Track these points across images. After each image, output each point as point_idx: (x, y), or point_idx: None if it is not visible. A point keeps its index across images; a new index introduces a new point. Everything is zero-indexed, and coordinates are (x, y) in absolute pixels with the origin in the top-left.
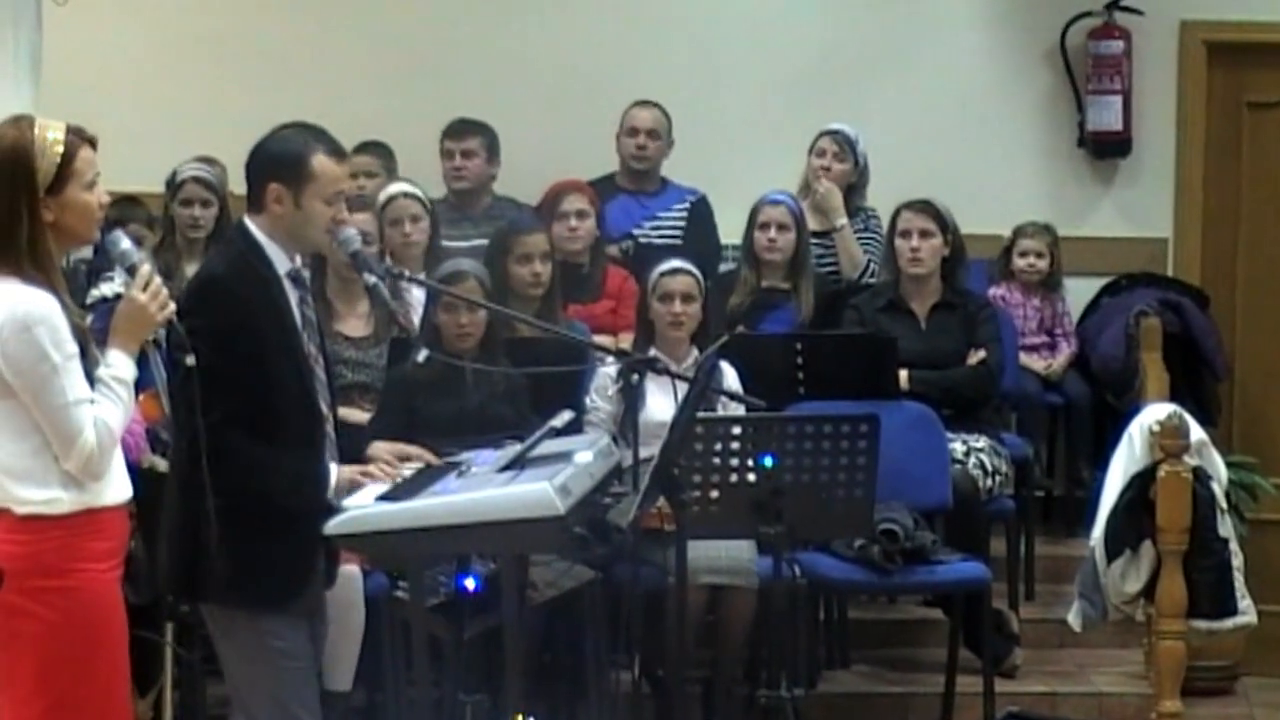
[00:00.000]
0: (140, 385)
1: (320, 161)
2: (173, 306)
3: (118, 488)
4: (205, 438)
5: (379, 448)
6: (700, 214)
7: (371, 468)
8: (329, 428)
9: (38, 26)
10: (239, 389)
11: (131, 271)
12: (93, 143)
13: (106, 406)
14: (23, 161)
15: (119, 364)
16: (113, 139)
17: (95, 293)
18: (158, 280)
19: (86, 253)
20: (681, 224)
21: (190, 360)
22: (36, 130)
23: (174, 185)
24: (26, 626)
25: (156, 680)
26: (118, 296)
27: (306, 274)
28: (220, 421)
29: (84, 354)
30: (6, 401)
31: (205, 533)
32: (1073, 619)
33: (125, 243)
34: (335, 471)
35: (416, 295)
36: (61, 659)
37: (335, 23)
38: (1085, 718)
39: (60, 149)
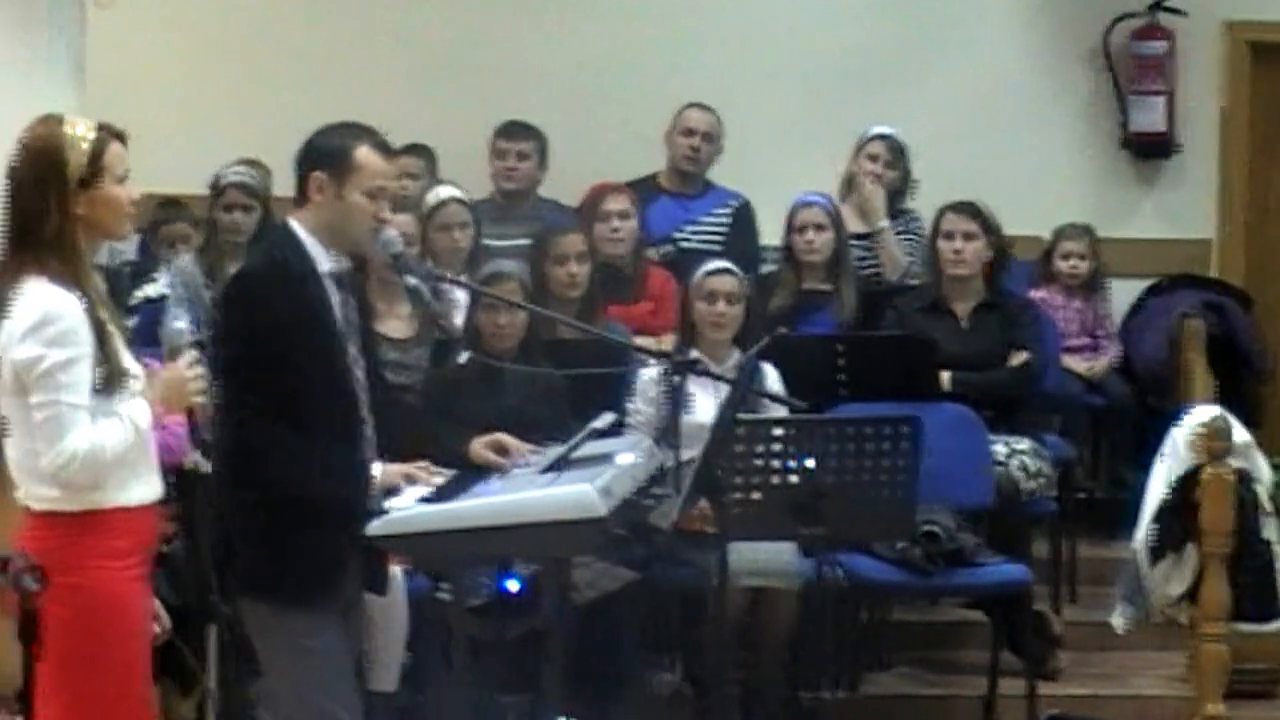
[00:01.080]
0: None
1: (364, 154)
2: (202, 399)
3: (141, 488)
4: (238, 430)
5: (478, 443)
6: (743, 219)
7: (414, 470)
8: (368, 429)
9: (81, 29)
10: (272, 383)
11: (175, 354)
12: (122, 138)
13: (112, 430)
14: (52, 157)
15: (140, 413)
16: (157, 141)
17: (139, 294)
18: (200, 368)
19: (131, 254)
20: (723, 229)
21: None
22: (66, 126)
23: (216, 189)
24: (44, 623)
25: (200, 681)
26: (162, 297)
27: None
28: (253, 414)
29: (103, 346)
30: (24, 399)
31: (237, 525)
32: (1115, 621)
33: (179, 323)
34: (380, 470)
35: (459, 297)
36: (77, 655)
37: (377, 26)
38: None
39: (90, 144)
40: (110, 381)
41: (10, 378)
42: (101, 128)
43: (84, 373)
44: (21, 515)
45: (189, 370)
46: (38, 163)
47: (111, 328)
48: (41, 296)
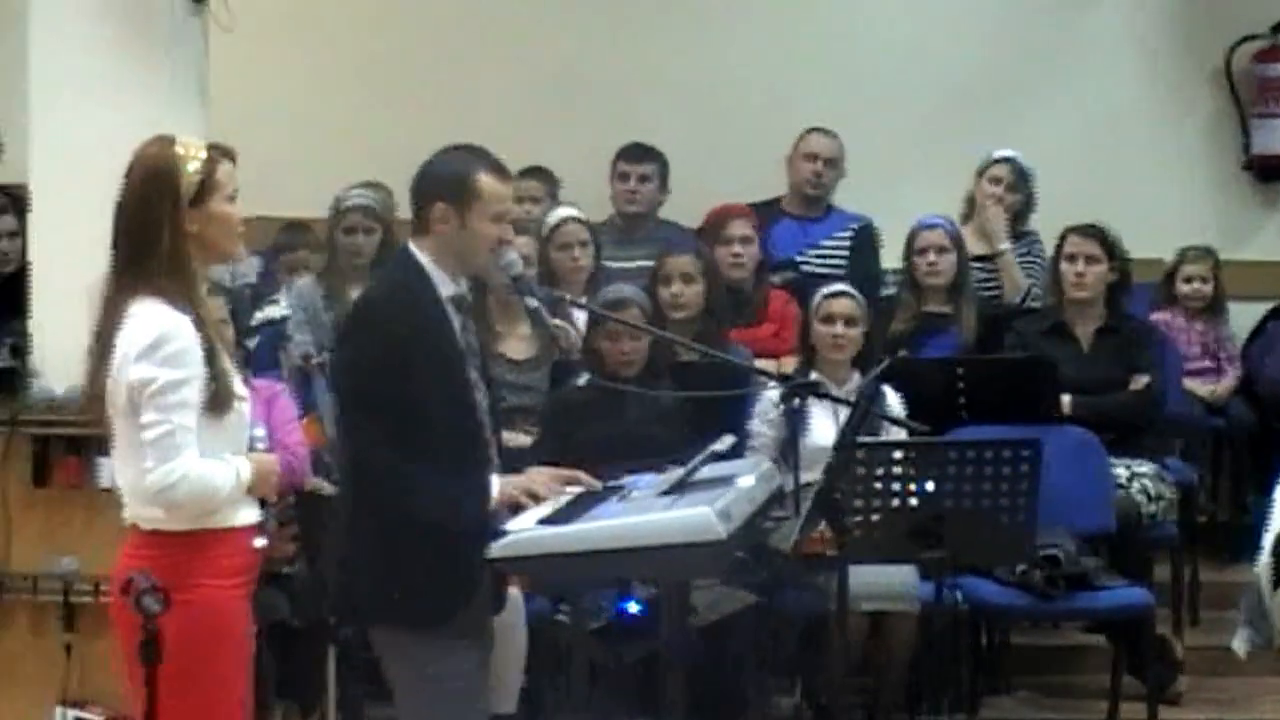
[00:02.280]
0: (304, 409)
1: (485, 180)
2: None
3: (247, 510)
4: (361, 455)
5: (539, 473)
6: (865, 240)
7: (535, 487)
8: (492, 453)
9: (204, 53)
10: (396, 408)
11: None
12: (232, 157)
13: (220, 471)
14: (165, 175)
15: (245, 470)
16: (281, 164)
17: (260, 315)
18: (278, 468)
19: (253, 277)
20: (845, 251)
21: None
22: (177, 146)
23: (338, 212)
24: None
25: (320, 702)
26: (284, 319)
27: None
28: (377, 439)
29: (212, 367)
30: (136, 419)
31: (363, 550)
32: (1237, 646)
33: (258, 430)
34: (497, 484)
35: (577, 317)
36: (176, 672)
37: (498, 49)
38: None
39: (200, 162)
40: (218, 402)
41: (124, 399)
42: (211, 147)
43: (194, 394)
44: (129, 534)
45: (275, 467)
46: (150, 181)
47: (219, 347)
48: (155, 317)
